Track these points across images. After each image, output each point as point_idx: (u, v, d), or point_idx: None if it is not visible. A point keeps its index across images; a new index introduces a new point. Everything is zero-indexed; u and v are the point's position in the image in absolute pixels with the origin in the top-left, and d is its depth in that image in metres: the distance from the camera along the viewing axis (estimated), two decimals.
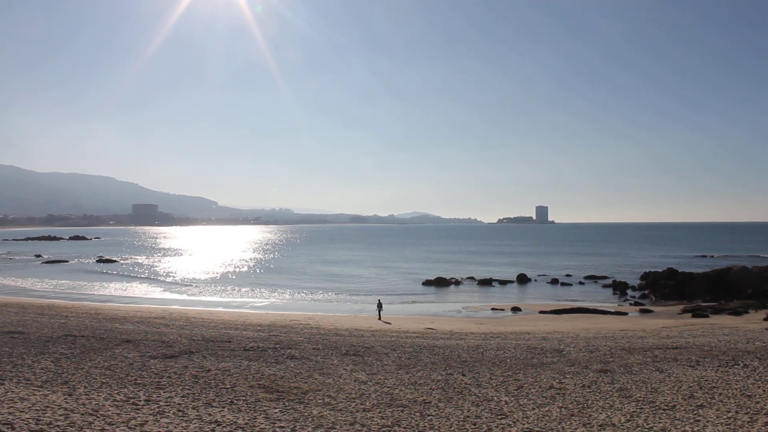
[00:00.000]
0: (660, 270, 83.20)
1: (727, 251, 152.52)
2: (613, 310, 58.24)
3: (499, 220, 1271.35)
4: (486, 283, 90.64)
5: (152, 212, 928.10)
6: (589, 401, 14.57)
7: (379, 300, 57.39)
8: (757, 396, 15.20)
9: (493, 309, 62.08)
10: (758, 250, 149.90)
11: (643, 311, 57.36)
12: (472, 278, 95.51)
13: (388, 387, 16.05)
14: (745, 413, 13.47)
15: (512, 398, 14.92)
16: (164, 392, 14.08)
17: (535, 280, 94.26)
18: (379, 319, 49.63)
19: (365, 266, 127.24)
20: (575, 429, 12.15)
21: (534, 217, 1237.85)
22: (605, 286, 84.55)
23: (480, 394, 15.35)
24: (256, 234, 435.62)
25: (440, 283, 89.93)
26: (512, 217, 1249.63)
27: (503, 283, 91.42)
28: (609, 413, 13.41)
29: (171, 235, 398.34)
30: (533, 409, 13.81)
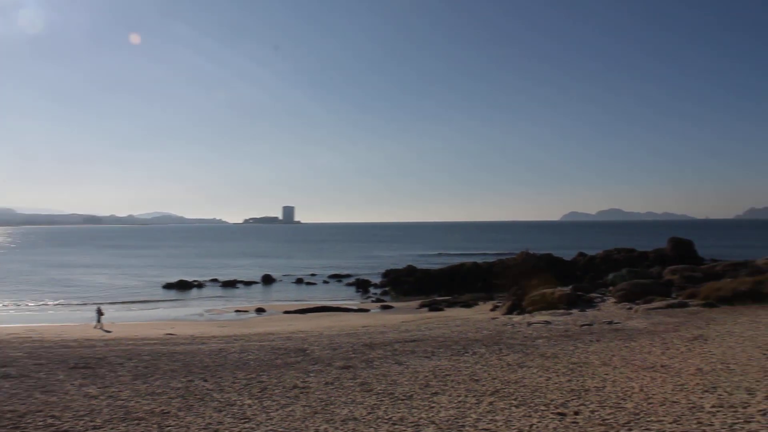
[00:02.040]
0: (401, 267, 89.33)
1: (462, 249, 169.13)
2: (356, 308, 61.44)
3: (245, 221, 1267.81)
4: (230, 284, 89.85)
5: None
6: (332, 398, 15.29)
7: (98, 306, 53.67)
8: (483, 380, 17.26)
9: (237, 311, 61.74)
10: (486, 248, 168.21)
11: (384, 307, 61.48)
12: (215, 280, 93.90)
13: (123, 399, 15.22)
14: (473, 396, 15.26)
15: (256, 401, 15.07)
16: None
17: (280, 281, 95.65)
18: (96, 327, 46.51)
19: (99, 271, 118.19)
20: (319, 426, 12.67)
21: (280, 217, 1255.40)
22: (349, 284, 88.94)
23: (222, 399, 15.26)
24: None
25: (182, 286, 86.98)
26: (258, 217, 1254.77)
27: (248, 284, 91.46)
28: (351, 408, 14.20)
29: None
30: (277, 410, 14.11)
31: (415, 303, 60.73)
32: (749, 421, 12.02)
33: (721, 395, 14.30)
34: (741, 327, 27.51)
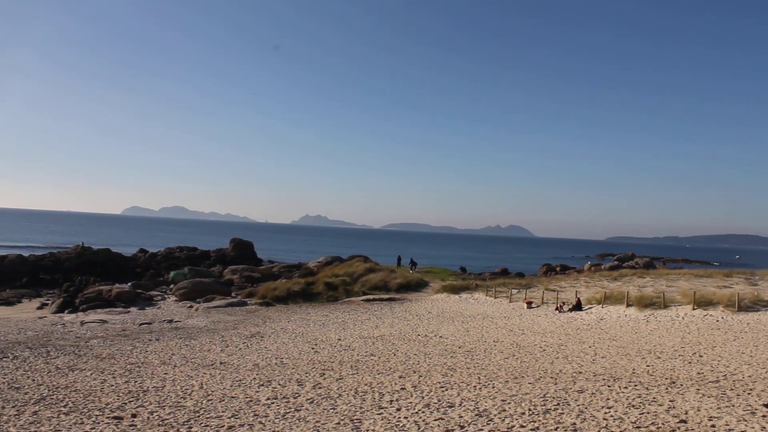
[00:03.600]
0: None
1: (3, 240, 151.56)
2: None
3: None
4: None
5: None
6: None
7: None
8: (26, 387, 15.57)
9: None
10: (35, 240, 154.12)
11: None
12: None
13: None
14: (13, 406, 13.59)
15: None
16: None
17: None
18: None
19: None
20: None
21: None
22: None
23: None
24: None
25: None
26: None
27: None
28: None
29: None
30: None
31: None
32: (299, 410, 13.15)
33: (275, 388, 15.39)
34: (294, 324, 30.25)
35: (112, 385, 15.80)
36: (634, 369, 16.86)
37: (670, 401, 12.78)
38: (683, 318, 27.49)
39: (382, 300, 41.71)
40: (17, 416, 12.81)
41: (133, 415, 12.87)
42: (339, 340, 24.51)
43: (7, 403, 13.82)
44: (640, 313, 29.62)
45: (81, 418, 12.67)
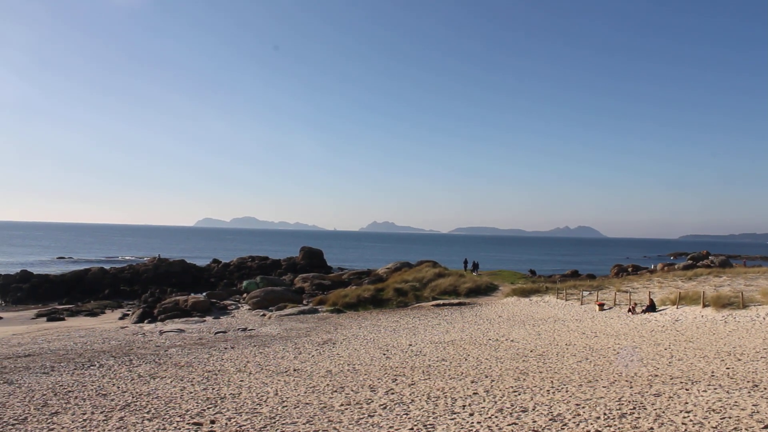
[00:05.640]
0: (13, 272, 79.91)
1: (88, 253, 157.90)
2: None
3: None
4: None
5: None
6: None
7: None
8: (112, 394, 16.24)
9: None
10: (116, 253, 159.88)
11: None
12: None
13: None
14: (101, 412, 14.21)
15: None
16: None
17: None
18: None
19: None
20: None
21: None
22: None
23: None
24: None
25: None
26: None
27: None
28: None
29: None
30: None
31: (31, 312, 54.82)
32: (372, 415, 13.32)
33: (348, 394, 15.61)
34: (365, 330, 30.53)
35: (191, 392, 16.34)
36: (713, 371, 16.37)
37: (753, 405, 12.37)
38: (764, 318, 26.46)
39: (452, 305, 41.64)
40: (105, 421, 13.42)
41: (212, 421, 13.29)
42: (410, 345, 24.61)
43: (96, 409, 14.49)
44: (717, 314, 28.67)
45: (163, 424, 13.17)
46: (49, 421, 13.56)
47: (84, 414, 14.10)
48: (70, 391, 16.64)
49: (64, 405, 15.01)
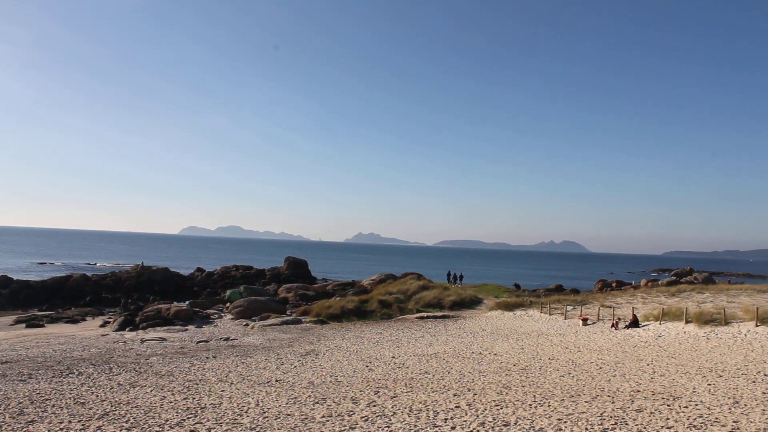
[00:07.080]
0: None
1: (69, 259, 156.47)
2: None
3: None
4: None
5: None
6: None
7: None
8: (90, 402, 16.05)
9: None
10: (98, 259, 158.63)
11: None
12: None
13: None
14: (78, 421, 14.02)
15: None
16: None
17: None
18: None
19: None
20: None
21: None
22: None
23: None
24: None
25: None
26: None
27: None
28: None
29: None
30: None
31: (9, 319, 54.16)
32: (353, 427, 13.24)
33: (330, 405, 15.51)
34: (348, 342, 30.40)
35: (171, 402, 16.17)
36: (694, 388, 16.43)
37: (734, 422, 12.41)
38: (746, 335, 26.63)
39: (436, 317, 41.58)
40: (82, 430, 13.24)
41: (191, 431, 13.15)
42: (393, 357, 24.53)
43: (73, 418, 14.29)
44: (699, 330, 28.82)
45: None
46: (24, 429, 13.35)
47: (61, 423, 13.90)
48: (47, 400, 16.40)
49: (40, 413, 14.79)
